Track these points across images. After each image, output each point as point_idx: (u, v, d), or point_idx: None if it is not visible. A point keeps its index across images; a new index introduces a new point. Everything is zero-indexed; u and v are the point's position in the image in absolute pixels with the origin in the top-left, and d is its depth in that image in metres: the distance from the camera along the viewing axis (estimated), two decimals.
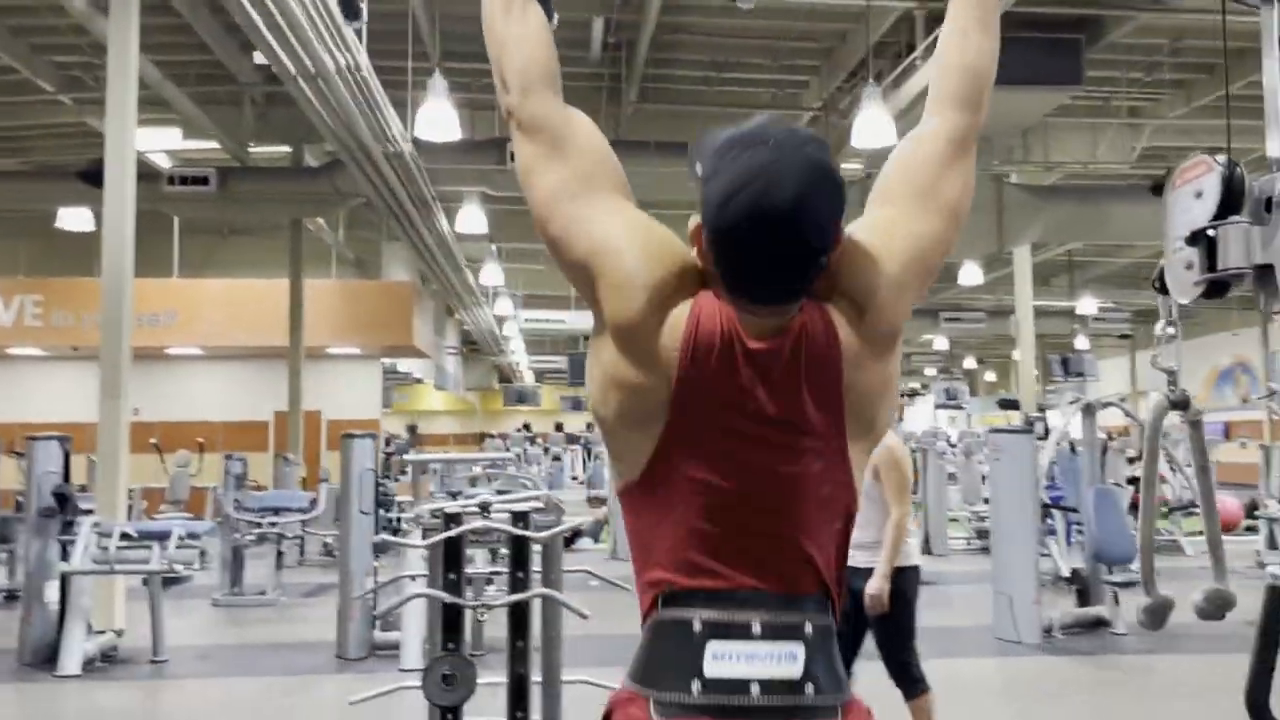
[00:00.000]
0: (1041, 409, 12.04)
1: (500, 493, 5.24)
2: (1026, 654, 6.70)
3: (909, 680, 4.15)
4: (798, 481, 1.31)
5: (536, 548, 3.74)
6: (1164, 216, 1.65)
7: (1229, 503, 14.21)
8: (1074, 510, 7.54)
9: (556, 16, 1.70)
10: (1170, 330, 1.65)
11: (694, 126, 12.69)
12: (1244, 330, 22.36)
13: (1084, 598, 7.50)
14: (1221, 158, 1.56)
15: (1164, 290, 1.59)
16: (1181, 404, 1.58)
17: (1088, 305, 19.19)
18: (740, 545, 1.30)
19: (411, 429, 26.64)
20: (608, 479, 16.75)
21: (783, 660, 1.28)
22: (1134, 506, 11.40)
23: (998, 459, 7.12)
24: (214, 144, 13.22)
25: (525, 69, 1.42)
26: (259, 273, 16.32)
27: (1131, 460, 11.74)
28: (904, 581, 4.15)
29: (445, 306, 21.57)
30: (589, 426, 28.23)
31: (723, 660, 1.27)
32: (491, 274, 16.08)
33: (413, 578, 4.61)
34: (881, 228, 1.36)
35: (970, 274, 15.68)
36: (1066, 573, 7.99)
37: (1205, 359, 25.22)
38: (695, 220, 1.30)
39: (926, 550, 10.64)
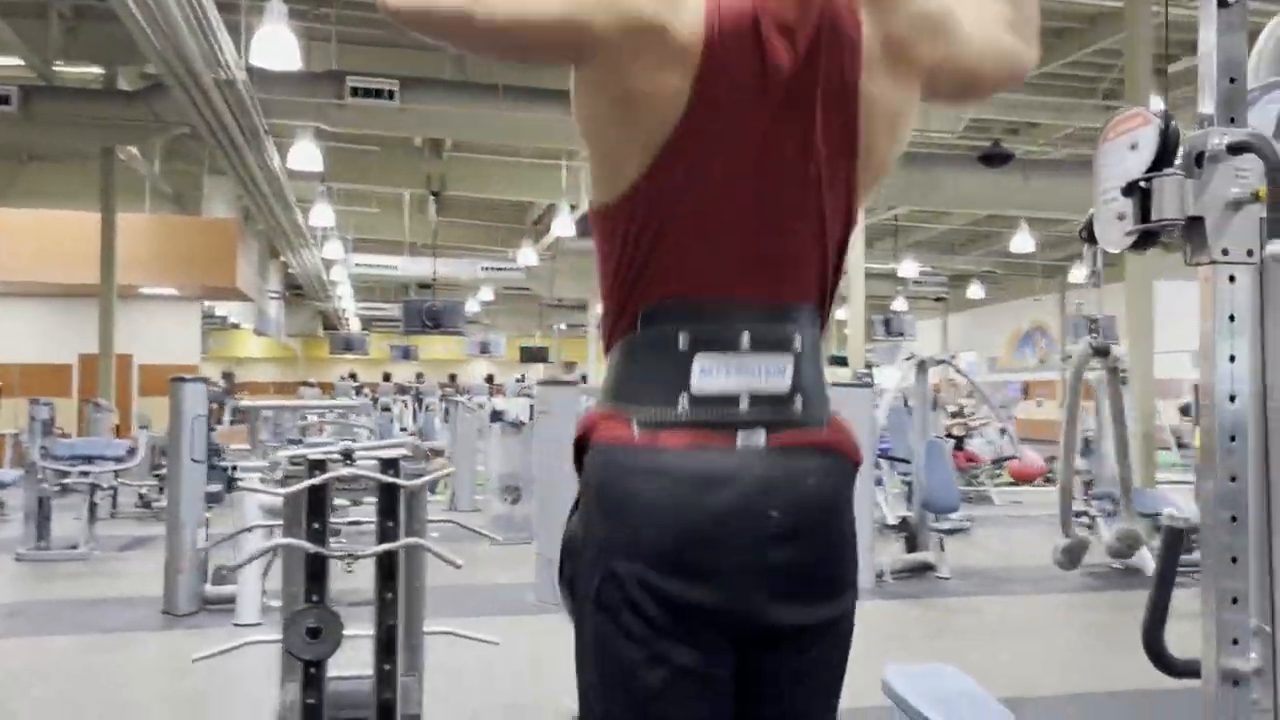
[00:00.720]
0: (869, 366, 12.52)
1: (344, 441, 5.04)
2: (861, 599, 6.99)
3: None
4: (804, 191, 1.27)
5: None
6: (1096, 167, 1.69)
7: (1031, 456, 15.29)
8: (905, 461, 7.90)
9: None
10: (1094, 279, 1.70)
11: (544, 71, 12.47)
12: (1045, 296, 23.94)
13: (912, 544, 7.90)
14: (1159, 110, 1.60)
15: (1092, 240, 1.64)
16: (1103, 351, 1.65)
17: (909, 268, 20.09)
18: (736, 253, 1.25)
19: (227, 376, 25.39)
20: (439, 429, 16.49)
21: (771, 374, 1.25)
22: (968, 459, 12.07)
23: (837, 412, 7.35)
24: (16, 60, 12.06)
25: None
26: (65, 204, 15.07)
27: (954, 415, 12.37)
28: None
29: (268, 247, 20.58)
30: (418, 377, 27.66)
31: (710, 375, 1.24)
32: (322, 215, 15.40)
33: (270, 529, 4.37)
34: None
35: None
36: (894, 521, 8.39)
37: (1009, 322, 26.95)
38: None
39: None
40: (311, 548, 3.28)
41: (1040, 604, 7.16)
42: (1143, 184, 1.60)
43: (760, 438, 1.24)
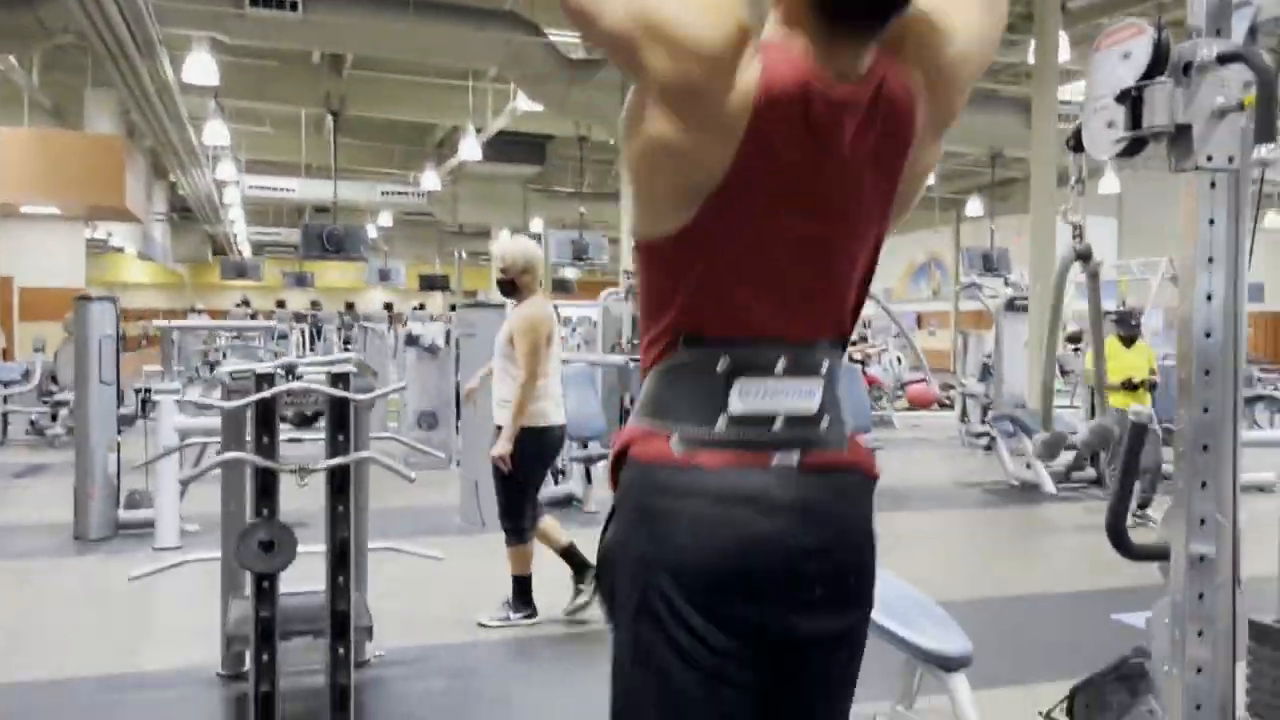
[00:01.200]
0: None
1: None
2: None
3: (515, 530, 4.56)
4: (843, 241, 1.33)
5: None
6: (1088, 78, 1.75)
7: (920, 386, 15.83)
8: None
9: None
10: (1079, 187, 1.79)
11: None
12: (943, 228, 24.57)
13: None
14: (1150, 21, 1.67)
15: (1079, 148, 1.71)
16: (1084, 255, 1.73)
17: None
18: (775, 294, 1.31)
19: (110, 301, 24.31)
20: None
21: (802, 395, 1.31)
22: (870, 382, 12.41)
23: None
24: None
25: None
26: None
27: (853, 342, 12.63)
28: (534, 443, 4.47)
29: (154, 167, 19.65)
30: (314, 305, 26.96)
31: (748, 396, 1.29)
32: (216, 133, 14.75)
33: (202, 447, 4.27)
34: (943, 6, 1.34)
35: None
36: None
37: (904, 254, 27.60)
38: None
39: None
40: (263, 462, 3.23)
41: (944, 519, 7.50)
42: (1134, 92, 1.67)
43: (794, 458, 1.30)
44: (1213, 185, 1.68)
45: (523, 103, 12.94)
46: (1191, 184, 1.68)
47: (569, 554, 4.73)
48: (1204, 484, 1.70)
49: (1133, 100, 1.68)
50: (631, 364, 8.00)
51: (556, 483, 7.52)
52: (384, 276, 26.91)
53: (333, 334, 19.64)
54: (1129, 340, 7.04)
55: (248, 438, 3.89)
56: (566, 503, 7.34)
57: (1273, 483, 7.94)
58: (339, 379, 3.38)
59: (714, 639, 1.28)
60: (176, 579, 4.49)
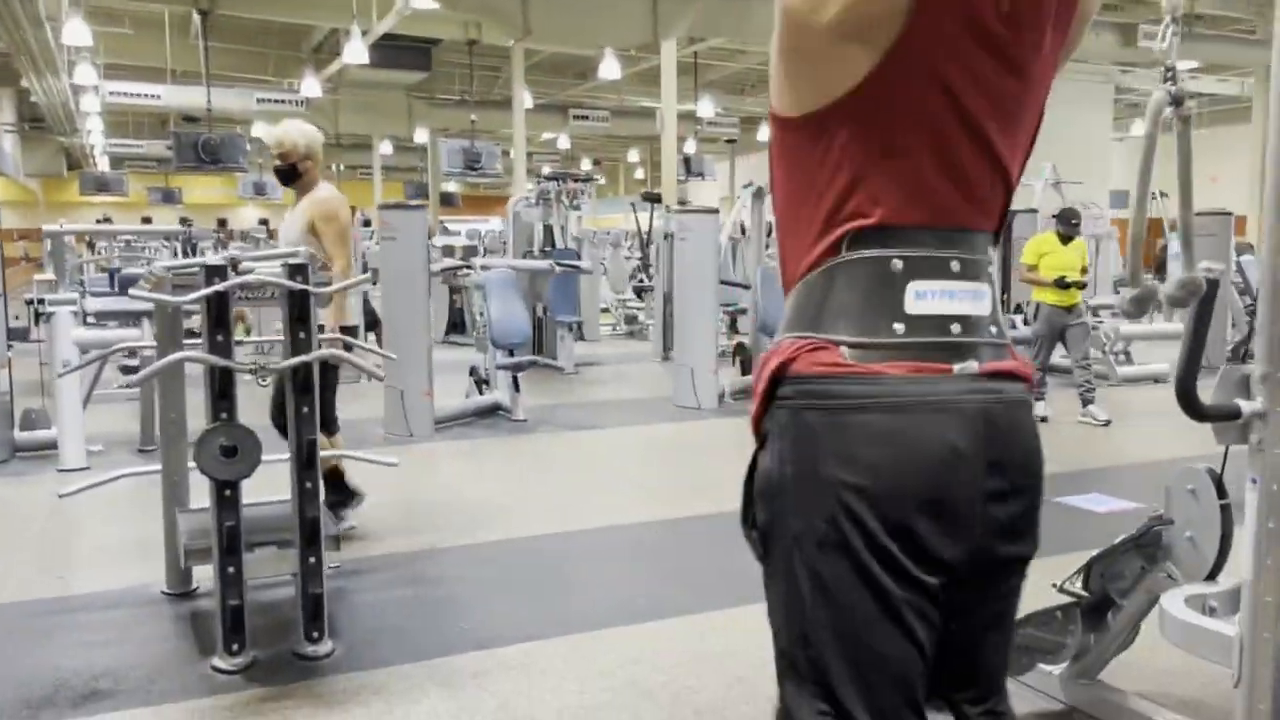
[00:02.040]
0: (682, 201, 12.58)
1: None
2: (705, 417, 7.22)
3: (328, 422, 4.14)
4: (1024, 108, 1.22)
5: None
6: None
7: None
8: (746, 286, 8.06)
9: None
10: (1175, 27, 1.70)
11: None
12: None
13: (746, 368, 8.16)
14: None
15: None
16: (1178, 100, 1.66)
17: (706, 109, 20.14)
18: (952, 176, 1.18)
19: None
20: None
21: (975, 298, 1.21)
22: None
23: (684, 239, 7.38)
24: None
25: None
26: None
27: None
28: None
29: (2, 72, 18.10)
30: (183, 221, 25.57)
31: (925, 298, 1.18)
32: (76, 33, 13.57)
33: (131, 352, 3.93)
34: None
35: (609, 68, 15.73)
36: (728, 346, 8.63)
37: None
38: None
39: (580, 337, 10.91)
40: (222, 361, 2.97)
41: None
42: None
43: (973, 365, 1.18)
44: None
45: (417, 0, 12.26)
46: None
47: (335, 474, 4.32)
48: None
49: None
50: (558, 268, 7.80)
51: (481, 392, 7.33)
52: (259, 191, 25.69)
53: (209, 251, 18.64)
54: (1067, 238, 7.04)
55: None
56: (492, 412, 7.17)
57: (1166, 373, 8.32)
58: (296, 270, 3.12)
59: (907, 566, 1.16)
60: (89, 500, 4.17)
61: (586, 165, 33.41)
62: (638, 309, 13.32)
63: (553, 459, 6.13)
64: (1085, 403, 7.09)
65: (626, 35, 12.16)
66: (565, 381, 8.90)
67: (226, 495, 3.02)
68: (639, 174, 33.03)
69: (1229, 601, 2.31)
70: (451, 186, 29.74)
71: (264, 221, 28.00)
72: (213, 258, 3.10)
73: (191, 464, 3.64)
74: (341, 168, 31.48)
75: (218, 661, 3.05)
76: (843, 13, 1.11)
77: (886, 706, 1.19)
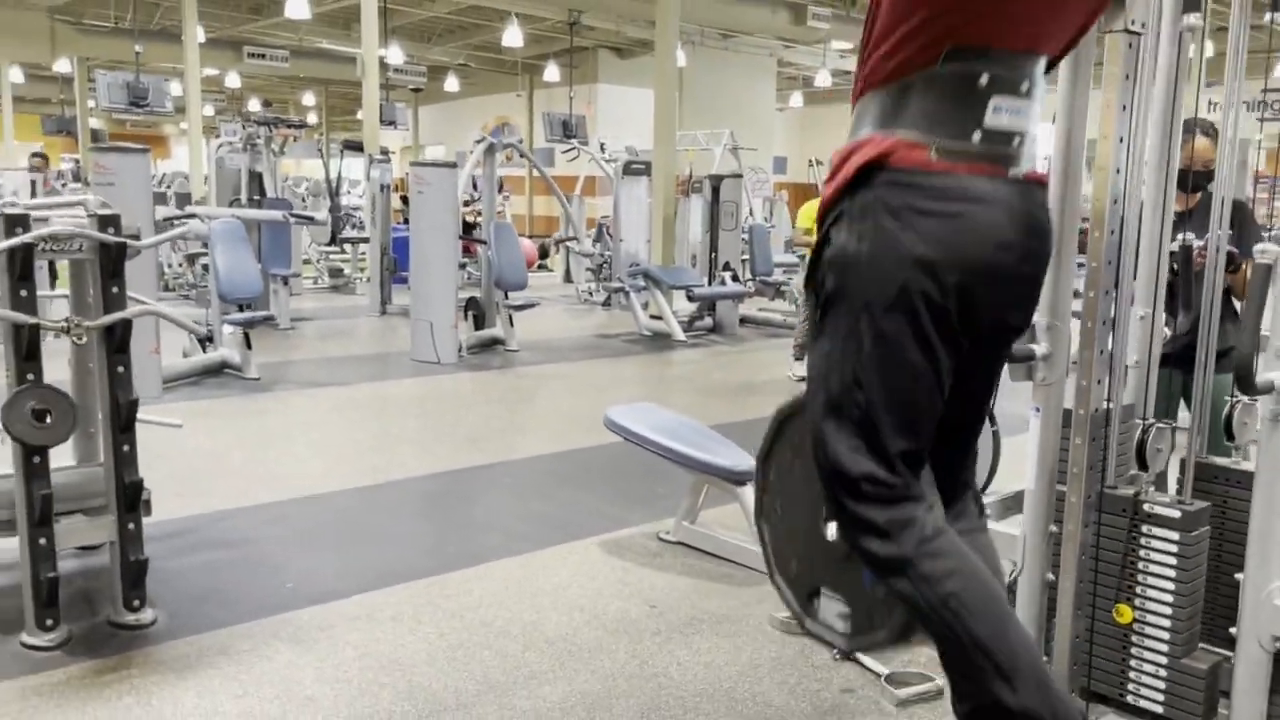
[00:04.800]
0: (385, 151, 12.28)
1: None
2: (447, 371, 7.27)
3: None
4: None
5: None
6: None
7: (526, 243, 16.32)
8: (484, 242, 8.12)
9: None
10: None
11: None
12: (523, 92, 24.85)
13: (480, 322, 8.26)
14: None
15: None
16: None
17: (395, 56, 19.60)
18: (1034, 7, 1.46)
19: None
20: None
21: (1032, 118, 1.53)
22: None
23: (421, 192, 7.32)
24: None
25: None
26: None
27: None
28: None
29: None
30: None
31: (1000, 113, 1.47)
32: None
33: None
34: None
35: (298, 7, 14.91)
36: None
37: (477, 117, 27.61)
38: None
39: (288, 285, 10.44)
40: (26, 319, 2.73)
41: (610, 366, 7.84)
42: None
43: (1021, 171, 1.51)
44: (1130, 46, 2.06)
45: None
46: (1115, 44, 2.04)
47: None
48: (1106, 291, 2.13)
49: None
50: (291, 219, 7.45)
51: (204, 350, 6.92)
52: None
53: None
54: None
55: None
56: (220, 370, 6.79)
57: None
58: (108, 221, 2.91)
59: (954, 327, 1.49)
60: None
61: (255, 106, 31.31)
62: (342, 261, 12.91)
63: (304, 417, 5.96)
64: None
65: None
66: (285, 338, 8.55)
67: (36, 462, 2.80)
68: (312, 118, 31.41)
69: (1000, 508, 2.84)
70: (96, 122, 26.78)
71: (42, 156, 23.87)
72: (8, 206, 2.80)
73: None
74: None
75: (28, 638, 2.83)
76: None
77: (911, 443, 1.54)
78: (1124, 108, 2.09)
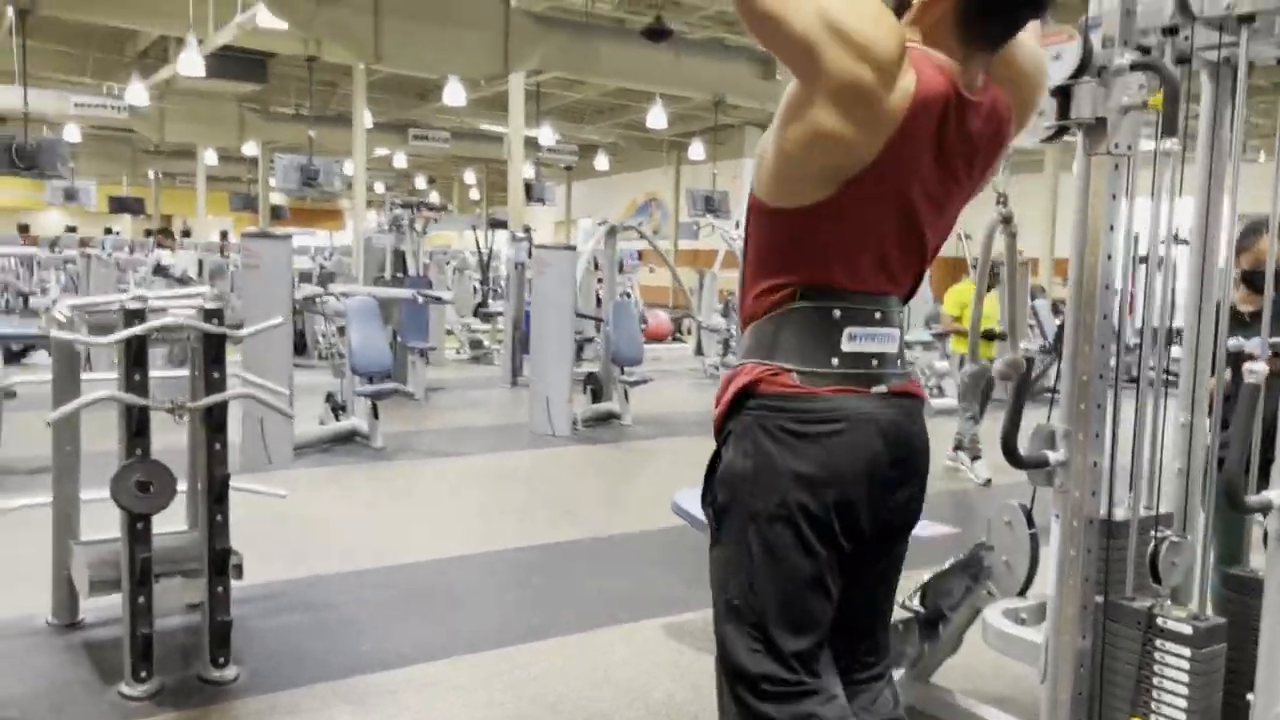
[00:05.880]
0: (527, 228, 12.87)
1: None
2: (561, 444, 7.54)
3: None
4: (944, 215, 1.66)
5: None
6: None
7: (661, 315, 16.63)
8: (598, 319, 8.43)
9: None
10: (1005, 163, 2.17)
11: None
12: (666, 169, 25.52)
13: (597, 396, 8.53)
14: (1076, 31, 2.07)
15: None
16: (1007, 219, 2.13)
17: (546, 136, 20.51)
18: (880, 261, 1.62)
19: None
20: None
21: (890, 340, 1.67)
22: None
23: (542, 273, 7.70)
24: None
25: None
26: None
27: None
28: None
29: None
30: None
31: (855, 340, 1.63)
32: None
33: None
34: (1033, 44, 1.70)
35: (454, 94, 15.88)
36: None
37: (627, 192, 28.44)
38: None
39: (426, 358, 11.02)
40: (138, 400, 3.10)
41: (706, 444, 8.02)
42: (1065, 89, 2.07)
43: (884, 388, 1.65)
44: (1116, 168, 2.11)
45: (262, 18, 12.11)
46: (1101, 165, 2.10)
47: None
48: (1099, 404, 2.15)
49: (1062, 95, 2.07)
50: (420, 298, 7.95)
51: (338, 418, 7.41)
52: (70, 196, 24.22)
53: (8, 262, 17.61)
54: (989, 287, 6.67)
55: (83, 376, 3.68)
56: (350, 438, 7.26)
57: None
58: (213, 314, 3.28)
59: (837, 534, 1.60)
60: None
61: (421, 183, 33.19)
62: (483, 332, 13.50)
63: (418, 486, 6.31)
64: (958, 446, 7.15)
65: (476, 66, 12.40)
66: (418, 408, 9.03)
67: (139, 528, 3.14)
68: (474, 194, 33.03)
69: (1036, 613, 2.82)
70: (279, 199, 28.93)
71: (72, 228, 26.48)
72: (129, 300, 3.20)
73: (85, 495, 3.74)
74: (160, 175, 30.15)
75: (125, 689, 3.15)
76: (818, 163, 1.52)
77: (805, 643, 1.63)
78: (1111, 227, 2.13)
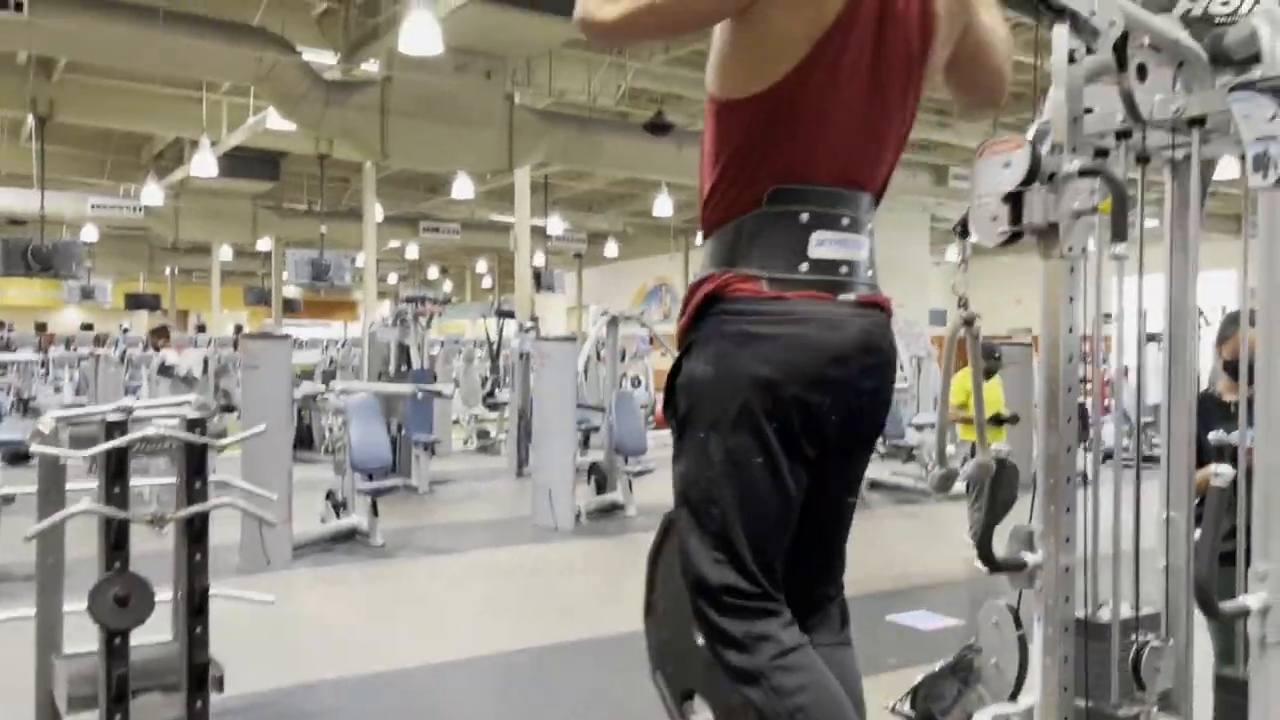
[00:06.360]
0: (534, 318, 12.97)
1: None
2: (563, 538, 7.47)
3: None
4: (905, 94, 1.68)
5: None
6: (973, 177, 2.15)
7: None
8: (600, 409, 8.43)
9: None
10: (963, 265, 2.18)
11: None
12: (675, 255, 25.79)
13: (601, 487, 8.48)
14: (1025, 138, 2.09)
15: (965, 235, 2.10)
16: (970, 321, 2.12)
17: (555, 225, 20.81)
18: (848, 149, 1.62)
19: None
20: (40, 386, 14.63)
21: (858, 247, 1.66)
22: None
23: (543, 365, 7.73)
24: None
25: None
26: None
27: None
28: None
29: None
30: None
31: (824, 245, 1.62)
32: None
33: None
34: None
35: (463, 187, 16.19)
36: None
37: (636, 278, 28.69)
38: None
39: (433, 453, 11.01)
40: (117, 513, 3.09)
41: None
42: (1016, 195, 2.08)
43: (853, 296, 1.64)
44: (1071, 270, 2.11)
45: (272, 120, 12.45)
46: (1057, 269, 2.11)
47: None
48: (1068, 509, 2.12)
49: (1014, 201, 2.08)
50: (420, 394, 7.98)
51: (338, 515, 7.38)
52: (86, 295, 24.64)
53: (31, 359, 17.84)
54: (989, 373, 6.75)
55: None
56: (350, 536, 7.21)
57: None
58: (195, 424, 3.29)
59: (799, 438, 1.60)
60: None
61: (434, 273, 33.59)
62: (490, 421, 13.50)
63: (415, 585, 6.25)
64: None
65: (482, 161, 12.64)
66: (421, 502, 9.00)
67: (116, 643, 3.11)
68: (487, 282, 33.39)
69: (1027, 717, 2.74)
70: (293, 292, 29.35)
71: (88, 326, 26.84)
72: (109, 411, 3.22)
73: (68, 608, 3.70)
74: (176, 271, 30.64)
75: None
76: (768, 32, 1.55)
77: (768, 552, 1.63)
78: (1070, 329, 2.13)
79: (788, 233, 1.59)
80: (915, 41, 1.67)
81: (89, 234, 25.01)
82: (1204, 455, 2.85)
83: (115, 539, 3.12)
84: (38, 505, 3.61)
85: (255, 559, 6.35)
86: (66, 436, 3.29)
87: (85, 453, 3.15)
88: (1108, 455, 2.44)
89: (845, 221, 1.62)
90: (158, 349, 9.76)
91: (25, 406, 13.69)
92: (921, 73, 1.73)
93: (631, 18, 1.53)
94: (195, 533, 3.25)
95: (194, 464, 3.27)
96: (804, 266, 1.59)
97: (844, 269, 1.62)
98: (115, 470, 3.14)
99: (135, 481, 3.35)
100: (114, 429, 3.16)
